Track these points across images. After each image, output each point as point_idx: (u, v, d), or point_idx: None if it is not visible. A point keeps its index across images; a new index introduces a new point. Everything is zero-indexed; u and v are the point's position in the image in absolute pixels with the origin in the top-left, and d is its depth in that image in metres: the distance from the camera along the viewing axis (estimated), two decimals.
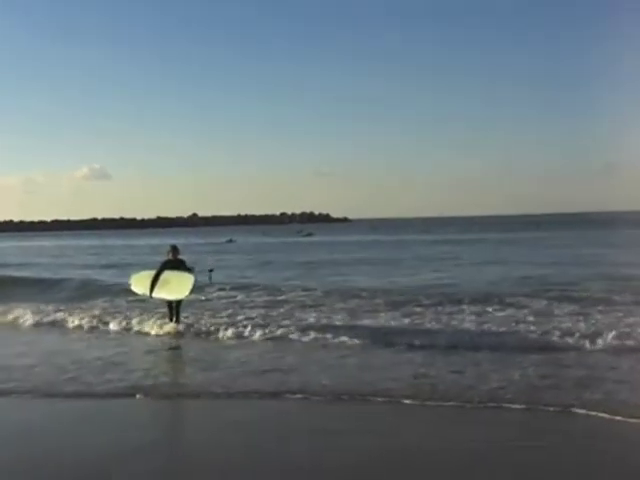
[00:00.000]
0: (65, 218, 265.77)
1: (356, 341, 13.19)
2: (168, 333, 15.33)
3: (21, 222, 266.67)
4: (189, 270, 15.79)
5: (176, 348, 14.03)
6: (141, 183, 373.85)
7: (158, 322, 16.02)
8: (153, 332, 15.53)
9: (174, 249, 16.30)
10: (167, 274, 15.65)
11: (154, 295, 15.71)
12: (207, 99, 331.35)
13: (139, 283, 16.38)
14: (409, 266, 33.38)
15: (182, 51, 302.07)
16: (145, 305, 18.28)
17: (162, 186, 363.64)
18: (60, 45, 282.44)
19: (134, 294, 17.22)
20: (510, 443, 7.24)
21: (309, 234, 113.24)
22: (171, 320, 15.83)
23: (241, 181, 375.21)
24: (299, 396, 9.33)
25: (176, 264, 15.93)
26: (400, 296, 19.03)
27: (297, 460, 6.85)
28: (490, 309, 16.65)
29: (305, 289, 21.56)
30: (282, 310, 17.85)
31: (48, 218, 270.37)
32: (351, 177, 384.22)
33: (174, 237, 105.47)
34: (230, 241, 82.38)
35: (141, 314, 17.37)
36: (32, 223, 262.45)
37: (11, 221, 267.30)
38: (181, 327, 15.58)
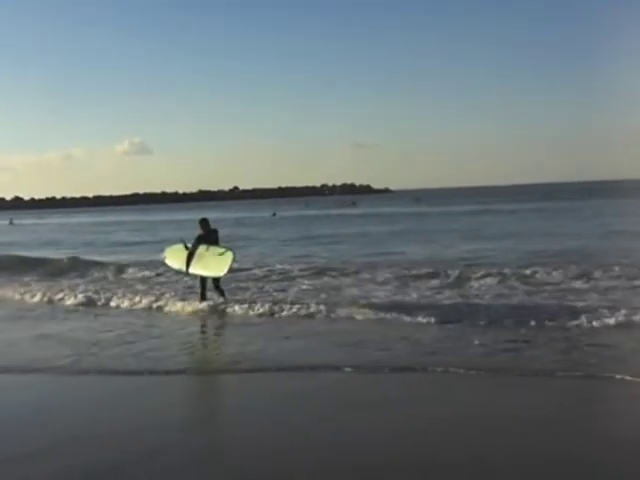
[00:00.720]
0: (107, 194, 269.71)
1: (422, 319, 12.67)
2: (201, 311, 14.84)
3: (63, 198, 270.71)
4: (216, 236, 15.57)
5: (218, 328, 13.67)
6: (182, 157, 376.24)
7: (188, 301, 15.64)
8: (183, 310, 15.13)
9: (204, 222, 15.71)
10: (202, 249, 15.24)
11: (191, 271, 15.34)
12: (249, 72, 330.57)
13: (174, 257, 16.11)
14: (454, 238, 33.23)
15: (212, 27, 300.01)
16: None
17: (203, 159, 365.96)
18: (99, 25, 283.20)
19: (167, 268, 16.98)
20: (569, 410, 7.44)
21: (353, 203, 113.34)
22: (203, 298, 15.33)
23: (281, 154, 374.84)
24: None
25: (210, 237, 15.52)
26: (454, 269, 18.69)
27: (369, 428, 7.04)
28: (537, 276, 16.95)
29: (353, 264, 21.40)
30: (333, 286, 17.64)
31: (90, 194, 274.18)
32: (389, 148, 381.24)
33: (216, 211, 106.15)
34: (274, 215, 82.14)
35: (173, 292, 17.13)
36: (74, 199, 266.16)
37: (53, 198, 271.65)
38: (222, 302, 15.09)
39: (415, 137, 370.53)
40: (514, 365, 9.21)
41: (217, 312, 14.63)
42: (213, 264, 14.92)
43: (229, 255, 14.85)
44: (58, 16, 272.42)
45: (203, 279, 15.41)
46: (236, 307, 14.64)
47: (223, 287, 15.61)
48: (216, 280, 15.34)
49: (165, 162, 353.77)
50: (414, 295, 15.63)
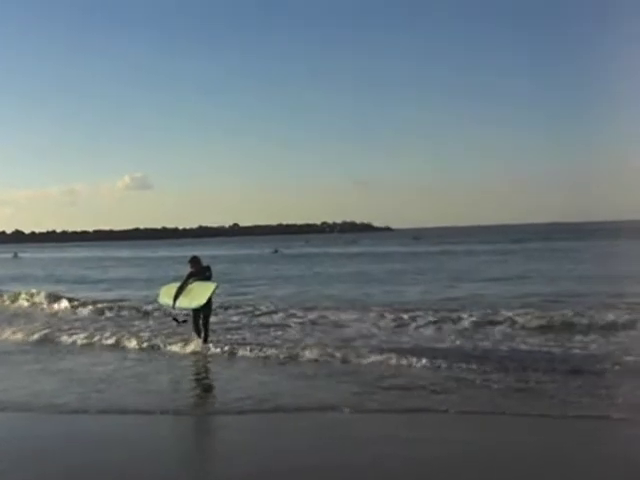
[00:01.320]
0: (107, 228, 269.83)
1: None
2: (195, 352, 14.54)
3: (64, 232, 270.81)
4: (208, 272, 15.32)
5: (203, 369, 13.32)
6: (182, 192, 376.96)
7: (186, 341, 15.25)
8: (179, 350, 14.83)
9: (194, 260, 15.54)
10: (191, 284, 15.15)
11: (177, 305, 15.18)
12: (248, 110, 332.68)
13: (166, 295, 15.85)
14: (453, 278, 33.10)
15: (218, 61, 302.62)
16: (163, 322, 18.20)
17: (203, 196, 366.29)
18: (97, 58, 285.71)
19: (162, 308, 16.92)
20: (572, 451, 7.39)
21: (354, 241, 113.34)
22: (199, 336, 15.04)
23: (281, 190, 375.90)
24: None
25: (202, 275, 15.29)
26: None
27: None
28: (536, 320, 16.46)
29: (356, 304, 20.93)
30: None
31: (90, 228, 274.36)
32: (390, 185, 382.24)
33: (217, 247, 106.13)
34: (276, 252, 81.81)
35: (164, 333, 16.72)
36: (75, 233, 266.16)
37: (54, 231, 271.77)
38: (209, 345, 14.71)
39: (416, 175, 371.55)
40: (518, 407, 9.19)
41: (223, 353, 14.24)
42: (195, 294, 14.82)
43: (211, 285, 14.80)
44: (58, 49, 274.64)
45: (195, 316, 15.12)
46: (243, 350, 14.25)
47: (211, 328, 15.38)
48: (205, 317, 15.05)
49: (166, 197, 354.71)
50: (413, 337, 15.48)
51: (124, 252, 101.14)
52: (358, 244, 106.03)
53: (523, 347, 13.77)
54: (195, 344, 14.81)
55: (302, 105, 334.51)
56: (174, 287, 15.51)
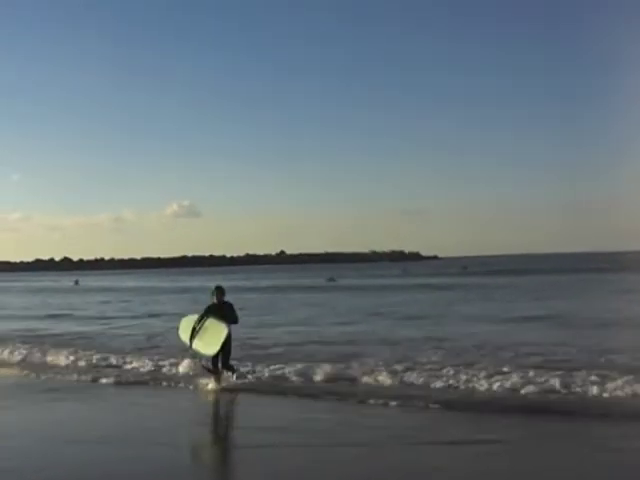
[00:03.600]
0: (155, 256, 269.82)
1: None
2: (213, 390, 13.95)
3: (112, 260, 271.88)
4: (234, 317, 14.19)
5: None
6: (230, 220, 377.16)
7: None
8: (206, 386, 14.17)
9: (219, 290, 14.42)
10: (209, 322, 14.03)
11: (193, 347, 14.19)
12: (295, 139, 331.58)
13: (184, 330, 14.54)
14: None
15: (263, 89, 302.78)
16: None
17: (250, 223, 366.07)
18: (146, 84, 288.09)
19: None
20: None
21: (404, 270, 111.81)
22: (215, 374, 14.10)
23: (329, 218, 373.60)
24: None
25: (221, 309, 14.16)
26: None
27: None
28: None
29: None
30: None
31: (138, 256, 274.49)
32: (438, 214, 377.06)
33: (265, 276, 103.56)
34: (332, 280, 78.89)
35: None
36: (122, 261, 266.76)
37: (102, 259, 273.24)
38: (233, 378, 14.23)
39: (465, 203, 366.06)
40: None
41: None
42: (210, 338, 13.86)
43: (223, 329, 13.72)
44: (102, 84, 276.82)
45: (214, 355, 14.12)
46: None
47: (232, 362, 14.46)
48: (224, 357, 14.05)
49: (213, 225, 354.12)
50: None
51: (169, 282, 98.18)
52: (411, 273, 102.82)
53: None
54: (213, 382, 14.03)
55: (353, 131, 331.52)
56: (192, 320, 14.35)
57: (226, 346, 13.88)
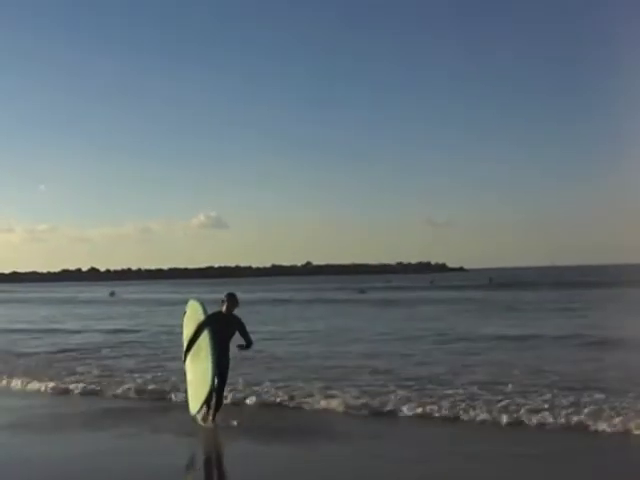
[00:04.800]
0: (182, 266, 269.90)
1: None
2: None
3: (139, 270, 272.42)
4: (248, 338, 11.85)
5: None
6: (256, 231, 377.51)
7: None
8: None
9: (231, 299, 11.78)
10: (205, 341, 11.40)
11: (186, 363, 11.97)
12: (320, 154, 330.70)
13: (189, 322, 12.28)
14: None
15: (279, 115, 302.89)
16: None
17: (277, 234, 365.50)
18: (173, 89, 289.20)
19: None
20: None
21: (432, 282, 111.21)
22: (208, 406, 11.64)
23: (354, 230, 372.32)
24: None
25: (229, 323, 11.68)
26: None
27: None
28: None
29: None
30: None
31: (165, 266, 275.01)
32: (464, 225, 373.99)
33: (292, 288, 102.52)
34: (362, 292, 77.87)
35: None
36: (149, 271, 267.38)
37: (129, 269, 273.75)
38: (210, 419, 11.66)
39: (490, 215, 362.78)
40: None
41: None
42: (200, 375, 11.49)
43: (208, 371, 11.21)
44: (133, 97, 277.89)
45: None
46: None
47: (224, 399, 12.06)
48: (221, 383, 11.57)
49: (240, 236, 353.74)
50: None
51: (195, 293, 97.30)
52: (438, 285, 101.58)
53: None
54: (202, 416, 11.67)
55: (381, 141, 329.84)
56: (196, 312, 12.11)
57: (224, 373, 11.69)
